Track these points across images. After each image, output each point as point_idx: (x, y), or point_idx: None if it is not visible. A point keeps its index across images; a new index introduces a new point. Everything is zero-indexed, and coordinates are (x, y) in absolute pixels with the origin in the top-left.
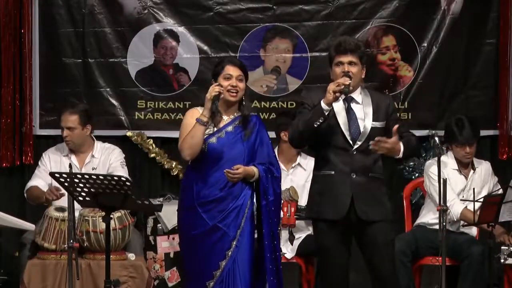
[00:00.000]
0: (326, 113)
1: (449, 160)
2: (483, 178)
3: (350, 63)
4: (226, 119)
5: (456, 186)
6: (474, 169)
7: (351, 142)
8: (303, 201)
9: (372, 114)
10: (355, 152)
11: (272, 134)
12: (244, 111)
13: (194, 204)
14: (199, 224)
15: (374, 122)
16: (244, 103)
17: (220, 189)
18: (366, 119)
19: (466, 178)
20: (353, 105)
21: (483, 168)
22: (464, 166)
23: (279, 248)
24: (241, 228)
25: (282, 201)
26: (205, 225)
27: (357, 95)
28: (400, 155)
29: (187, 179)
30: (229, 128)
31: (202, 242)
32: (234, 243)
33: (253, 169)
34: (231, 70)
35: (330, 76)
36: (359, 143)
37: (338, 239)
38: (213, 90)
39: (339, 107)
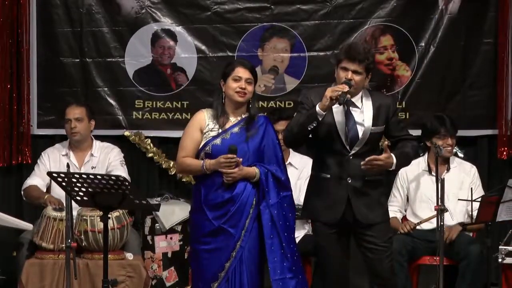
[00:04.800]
0: (320, 118)
1: (420, 160)
2: (460, 179)
3: (354, 71)
4: (233, 120)
5: (425, 187)
6: (448, 169)
7: (348, 147)
8: (295, 199)
9: (372, 119)
10: (351, 157)
11: None
12: (251, 111)
13: (202, 206)
14: (206, 225)
15: (373, 128)
16: (250, 105)
17: (226, 191)
18: (365, 125)
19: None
20: (352, 110)
21: (462, 169)
22: (441, 163)
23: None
24: (245, 228)
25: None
26: (211, 226)
27: (357, 99)
28: (393, 167)
29: (195, 181)
30: (235, 130)
31: (208, 244)
32: (239, 243)
33: (254, 170)
34: (241, 72)
35: (335, 74)
36: (356, 148)
37: (336, 238)
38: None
39: (338, 111)
